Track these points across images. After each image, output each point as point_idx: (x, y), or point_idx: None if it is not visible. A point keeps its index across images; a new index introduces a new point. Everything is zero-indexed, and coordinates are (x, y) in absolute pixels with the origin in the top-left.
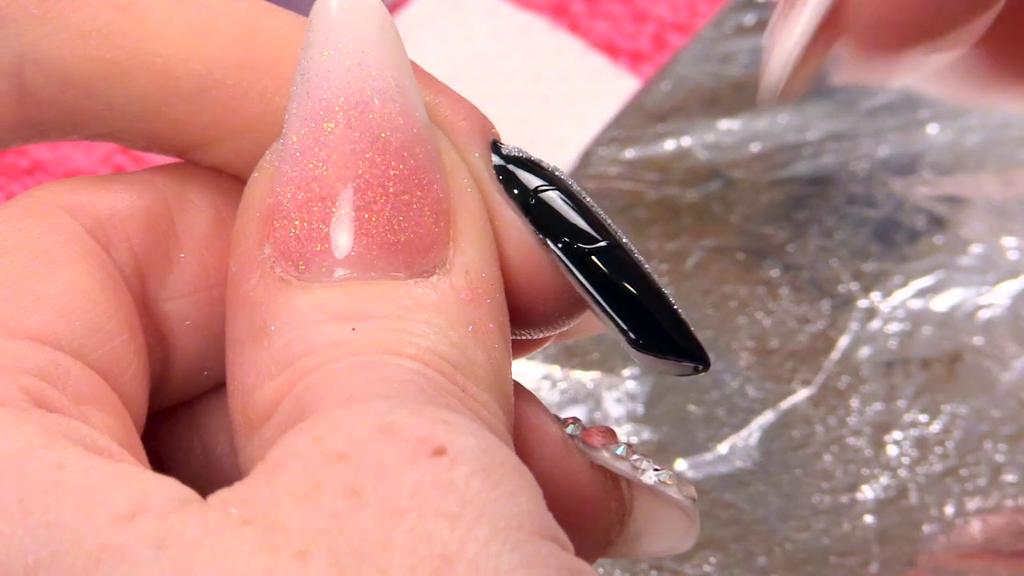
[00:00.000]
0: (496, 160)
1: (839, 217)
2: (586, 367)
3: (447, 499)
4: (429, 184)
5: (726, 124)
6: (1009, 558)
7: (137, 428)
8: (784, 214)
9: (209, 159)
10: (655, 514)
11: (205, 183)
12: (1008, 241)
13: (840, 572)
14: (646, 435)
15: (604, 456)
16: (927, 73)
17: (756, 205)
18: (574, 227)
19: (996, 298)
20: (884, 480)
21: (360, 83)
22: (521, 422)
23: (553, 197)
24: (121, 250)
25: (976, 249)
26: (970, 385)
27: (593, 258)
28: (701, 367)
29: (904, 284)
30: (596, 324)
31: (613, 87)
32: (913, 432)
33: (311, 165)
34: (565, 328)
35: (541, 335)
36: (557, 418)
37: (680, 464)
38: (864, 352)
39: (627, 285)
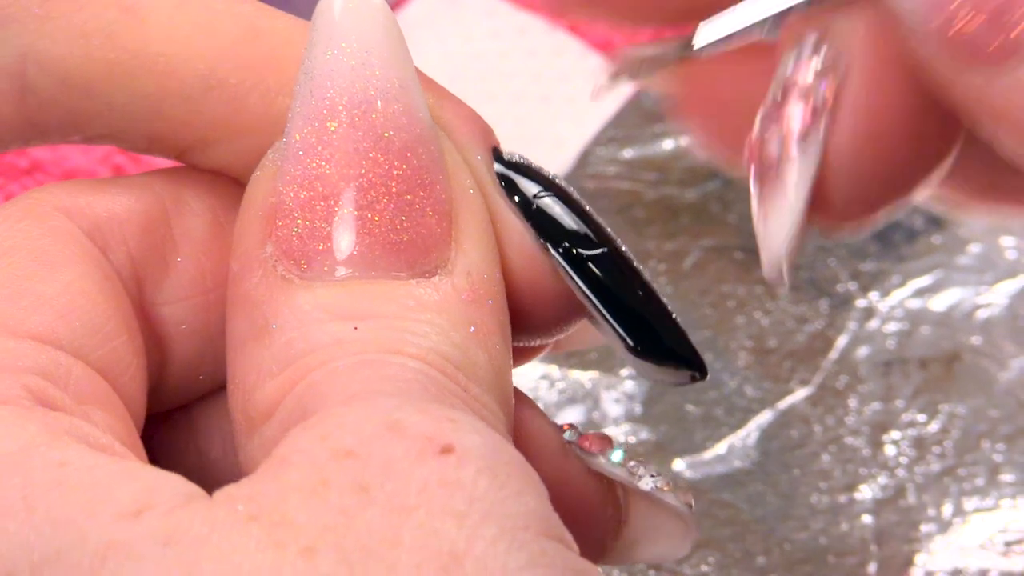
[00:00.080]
0: (496, 166)
1: None
2: (584, 367)
3: (454, 497)
4: (432, 184)
5: None
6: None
7: (136, 429)
8: None
9: (209, 161)
10: (651, 521)
11: (202, 187)
12: (1006, 241)
13: (838, 572)
14: (644, 435)
15: (601, 462)
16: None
17: None
18: (574, 233)
19: (994, 298)
20: (882, 480)
21: (364, 83)
22: (519, 426)
23: (553, 203)
24: (118, 253)
25: (974, 249)
26: (968, 385)
27: (593, 264)
28: (698, 376)
29: (902, 284)
30: (592, 336)
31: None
32: (911, 432)
33: (314, 164)
34: (561, 336)
35: (538, 341)
36: (554, 424)
37: (678, 464)
38: (862, 352)
39: (626, 292)
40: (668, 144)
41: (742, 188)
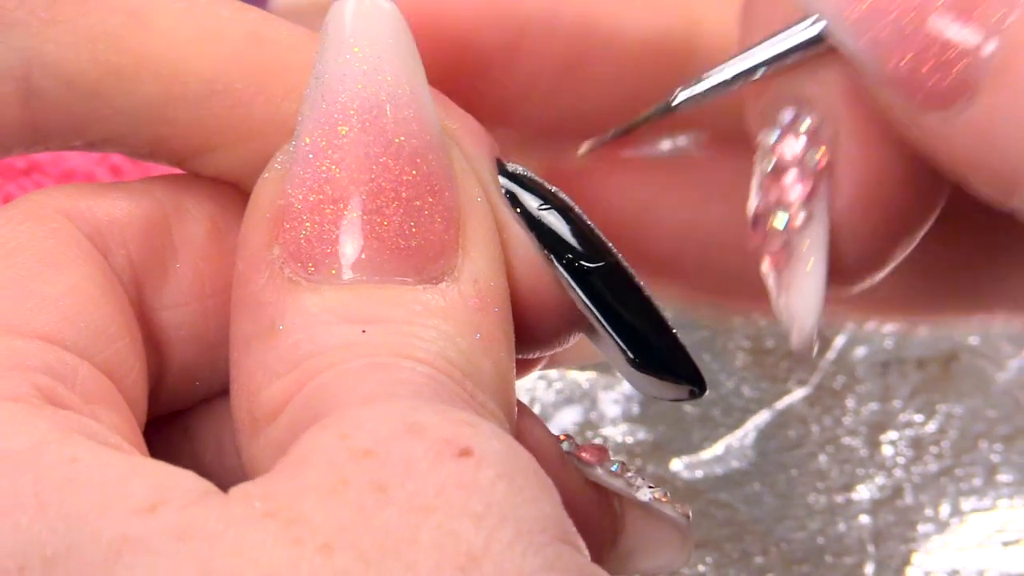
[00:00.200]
0: (500, 177)
1: None
2: (582, 367)
3: (473, 499)
4: (441, 191)
5: None
6: None
7: (139, 431)
8: None
9: (211, 167)
10: (648, 531)
11: (202, 194)
12: None
13: (836, 572)
14: (641, 435)
15: (599, 473)
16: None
17: None
18: (577, 246)
19: None
20: (879, 480)
21: (375, 87)
22: (519, 436)
23: (557, 216)
24: (118, 257)
25: None
26: (966, 385)
27: (596, 277)
28: (697, 391)
29: None
30: (587, 352)
31: None
32: (908, 432)
33: (324, 167)
34: (560, 348)
35: (537, 353)
36: (552, 434)
37: (676, 464)
38: (860, 352)
39: (627, 305)
40: (666, 144)
41: None
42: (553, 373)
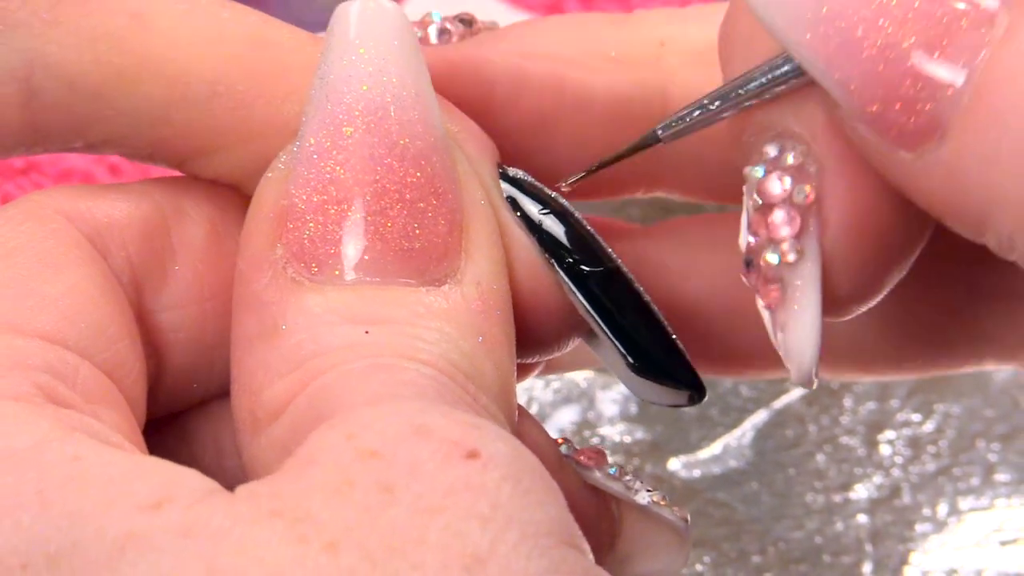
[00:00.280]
0: (501, 182)
1: None
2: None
3: (479, 501)
4: (444, 193)
5: None
6: None
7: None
8: None
9: (211, 169)
10: (646, 535)
11: (202, 196)
12: None
13: (833, 571)
14: (639, 434)
15: (597, 476)
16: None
17: None
18: (577, 250)
19: None
20: (877, 479)
21: (380, 89)
22: (517, 438)
23: (557, 220)
24: (117, 258)
25: None
26: (963, 384)
27: (596, 281)
28: (696, 397)
29: None
30: (584, 357)
31: None
32: (906, 431)
33: (328, 168)
34: (558, 353)
35: (536, 358)
36: (551, 437)
37: (673, 463)
38: None
39: (627, 310)
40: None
41: None
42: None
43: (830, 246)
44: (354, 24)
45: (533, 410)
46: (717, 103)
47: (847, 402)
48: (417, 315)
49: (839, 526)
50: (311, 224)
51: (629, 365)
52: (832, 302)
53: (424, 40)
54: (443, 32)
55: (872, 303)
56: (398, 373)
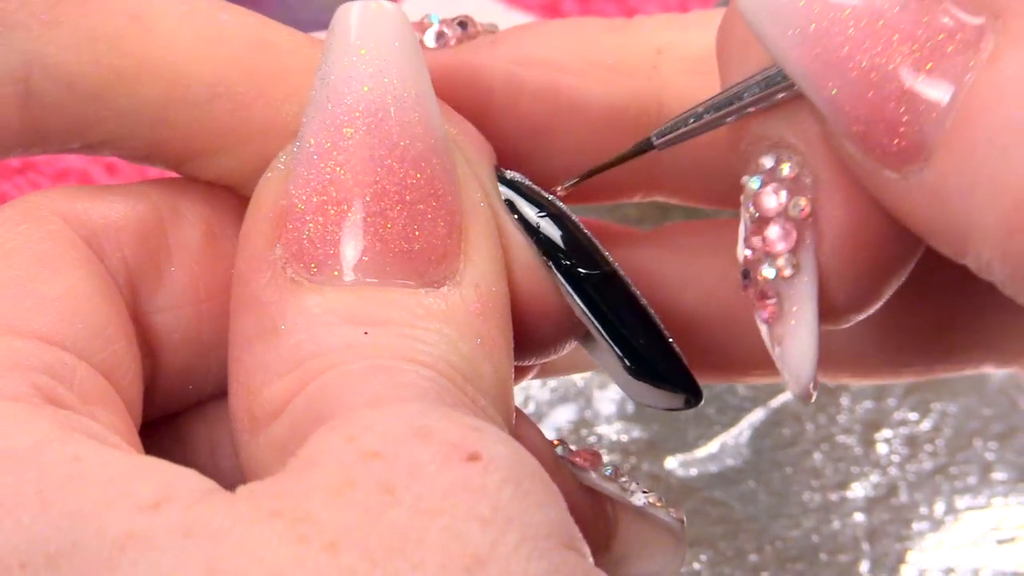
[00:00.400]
0: (499, 185)
1: None
2: None
3: (480, 503)
4: (444, 195)
5: None
6: None
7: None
8: None
9: (209, 171)
10: (642, 536)
11: (198, 198)
12: None
13: (830, 570)
14: (636, 433)
15: (593, 477)
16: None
17: None
18: (574, 253)
19: None
20: (874, 478)
21: (381, 90)
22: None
23: (554, 223)
24: (114, 259)
25: None
26: (960, 383)
27: (594, 284)
28: (692, 400)
29: None
30: (580, 361)
31: None
32: (903, 430)
33: (328, 169)
34: (555, 356)
35: (533, 360)
36: (547, 439)
37: (670, 462)
38: None
39: (625, 313)
40: None
41: None
42: None
43: (826, 259)
44: (355, 25)
45: (530, 409)
46: (712, 111)
47: (844, 401)
48: (416, 317)
49: (836, 525)
50: (310, 224)
51: (626, 368)
52: (829, 312)
53: (420, 44)
54: (440, 36)
55: (869, 312)
56: (398, 375)
